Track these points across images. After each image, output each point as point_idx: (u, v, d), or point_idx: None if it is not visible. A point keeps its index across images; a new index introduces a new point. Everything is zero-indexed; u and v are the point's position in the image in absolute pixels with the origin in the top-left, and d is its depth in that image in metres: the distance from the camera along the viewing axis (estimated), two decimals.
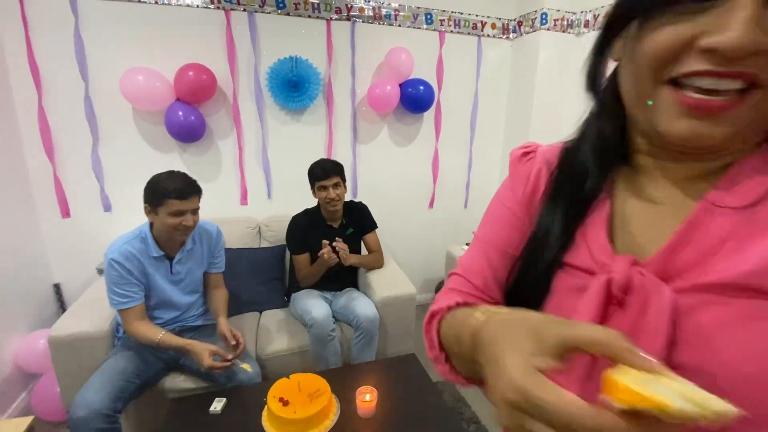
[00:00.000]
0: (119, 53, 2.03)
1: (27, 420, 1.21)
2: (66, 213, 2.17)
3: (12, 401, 1.85)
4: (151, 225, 1.50)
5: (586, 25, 2.41)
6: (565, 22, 2.44)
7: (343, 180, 1.93)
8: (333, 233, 1.95)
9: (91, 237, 2.23)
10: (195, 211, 1.46)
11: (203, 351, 1.41)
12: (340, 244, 1.77)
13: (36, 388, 1.80)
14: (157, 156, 2.23)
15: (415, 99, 2.40)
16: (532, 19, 2.47)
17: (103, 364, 1.43)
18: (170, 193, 1.38)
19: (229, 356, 1.44)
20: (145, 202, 1.42)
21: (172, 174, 1.44)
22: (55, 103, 2.02)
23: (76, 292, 2.26)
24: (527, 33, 2.53)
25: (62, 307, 2.26)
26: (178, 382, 1.60)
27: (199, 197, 1.48)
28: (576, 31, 2.45)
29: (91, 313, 1.63)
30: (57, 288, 2.24)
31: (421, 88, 2.39)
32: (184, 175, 1.46)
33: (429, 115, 2.64)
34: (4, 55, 1.91)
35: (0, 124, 1.88)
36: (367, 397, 1.29)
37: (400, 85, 2.39)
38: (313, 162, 1.93)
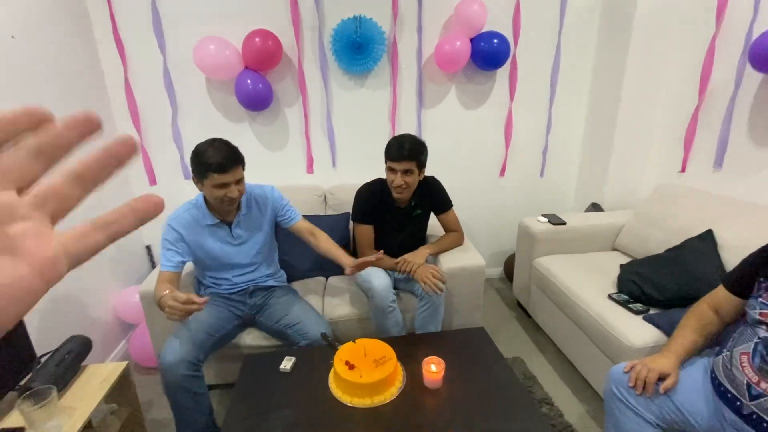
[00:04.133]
0: (191, 23, 2.09)
1: (122, 365, 1.33)
2: (153, 181, 2.35)
3: (114, 347, 2.10)
4: None
5: None
6: None
7: (421, 166, 1.69)
8: (399, 213, 1.84)
9: (174, 204, 2.37)
10: (239, 182, 1.43)
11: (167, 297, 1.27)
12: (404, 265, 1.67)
13: (132, 337, 2.01)
14: (230, 125, 2.30)
15: (488, 54, 2.19)
16: None
17: (187, 318, 1.53)
18: (211, 166, 1.34)
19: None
20: (192, 173, 1.42)
21: (213, 144, 1.38)
22: (138, 76, 2.15)
23: None
24: None
25: (153, 266, 2.49)
26: (253, 339, 1.69)
27: (243, 166, 1.44)
28: None
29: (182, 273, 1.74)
30: (148, 249, 2.46)
31: (495, 41, 2.17)
32: (226, 145, 1.39)
33: (503, 73, 2.40)
34: (93, 33, 2.05)
35: (94, 98, 2.05)
36: (433, 368, 1.23)
37: (471, 40, 2.19)
38: (393, 136, 1.73)
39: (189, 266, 1.76)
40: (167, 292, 1.28)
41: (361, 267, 1.58)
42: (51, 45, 1.76)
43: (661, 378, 1.14)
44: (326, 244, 1.69)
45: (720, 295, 1.21)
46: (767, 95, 1.74)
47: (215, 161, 1.35)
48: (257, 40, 2.03)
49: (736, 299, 1.17)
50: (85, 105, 1.96)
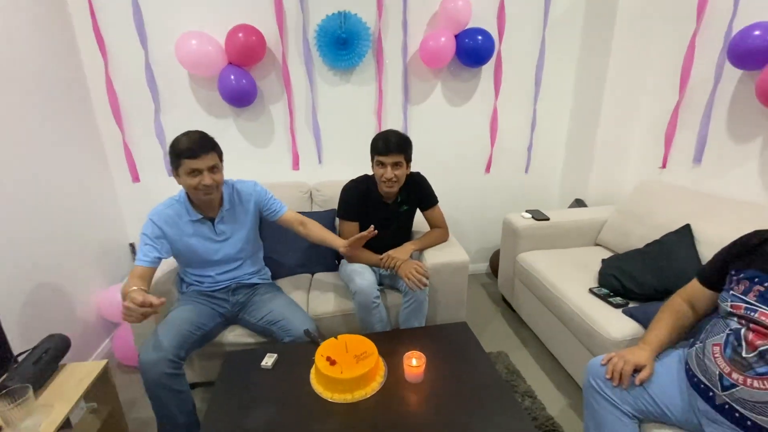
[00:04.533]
0: (173, 18, 2.06)
1: (101, 364, 1.32)
2: (136, 178, 2.32)
3: (97, 346, 2.07)
4: None
5: None
6: None
7: (408, 159, 1.71)
8: (385, 210, 1.84)
9: (158, 201, 2.37)
10: (212, 169, 1.42)
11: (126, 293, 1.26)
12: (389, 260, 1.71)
13: (116, 336, 1.99)
14: (213, 122, 2.28)
15: (473, 51, 2.19)
16: None
17: (168, 315, 1.52)
18: (182, 152, 1.36)
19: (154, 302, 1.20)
20: (171, 165, 1.43)
21: (187, 133, 1.40)
22: (119, 72, 2.12)
23: None
24: None
25: None
26: (236, 337, 1.67)
27: (217, 154, 1.44)
28: None
29: (157, 269, 1.73)
30: (132, 247, 2.44)
31: (480, 38, 2.17)
32: (199, 133, 1.41)
33: (488, 69, 2.41)
34: (72, 27, 2.01)
35: (74, 94, 2.02)
36: (413, 362, 1.24)
37: (456, 37, 2.20)
38: (378, 132, 1.74)
39: (172, 263, 1.75)
40: (135, 288, 1.26)
41: (354, 244, 1.60)
42: (29, 41, 1.73)
43: (637, 370, 1.16)
44: (318, 232, 1.70)
45: (694, 288, 1.23)
46: (745, 91, 1.78)
47: (186, 147, 1.36)
48: (240, 35, 2.01)
49: (709, 292, 1.19)
50: (65, 101, 1.93)
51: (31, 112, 1.73)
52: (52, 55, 1.87)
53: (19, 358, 1.25)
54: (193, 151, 1.36)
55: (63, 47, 1.95)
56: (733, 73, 1.81)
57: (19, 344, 1.57)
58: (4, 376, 1.19)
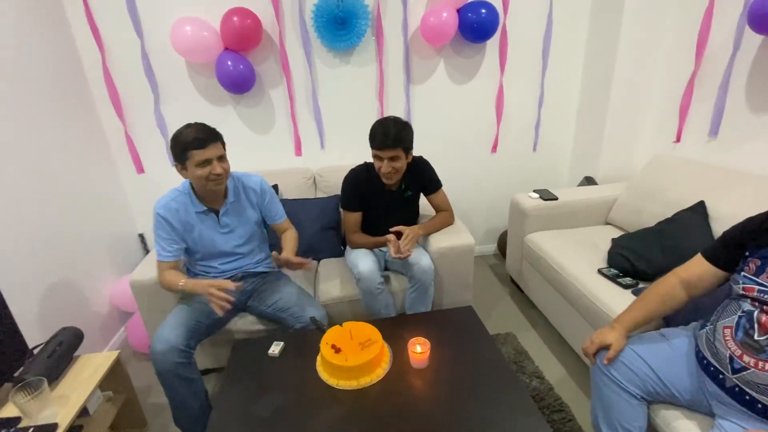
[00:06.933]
0: (166, 4, 2.01)
1: (113, 354, 1.35)
2: (140, 169, 2.33)
3: (113, 335, 2.13)
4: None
5: None
6: None
7: (407, 150, 1.65)
8: (390, 196, 1.81)
9: (164, 191, 2.38)
10: (221, 158, 1.43)
11: (204, 285, 1.38)
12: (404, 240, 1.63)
13: (130, 324, 2.04)
14: (213, 109, 2.25)
15: (476, 25, 2.11)
16: None
17: (177, 306, 1.55)
18: (190, 144, 1.35)
19: (232, 288, 1.37)
20: (174, 161, 1.42)
21: (189, 126, 1.39)
22: (117, 63, 2.10)
23: None
24: None
25: (147, 253, 2.50)
26: (246, 324, 1.70)
27: (222, 144, 1.44)
28: None
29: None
30: (142, 238, 2.47)
31: (483, 11, 2.08)
32: (202, 124, 1.41)
33: (492, 44, 2.32)
34: (67, 19, 1.98)
35: (73, 88, 2.00)
36: (418, 348, 1.24)
37: (458, 11, 2.11)
38: (377, 120, 1.66)
39: None
40: (184, 281, 1.42)
41: (282, 262, 1.57)
42: (24, 36, 1.70)
43: (607, 349, 1.16)
44: (288, 240, 1.69)
45: (696, 266, 1.16)
46: (766, 59, 1.67)
47: (194, 137, 1.36)
48: (235, 19, 1.96)
49: (715, 271, 1.13)
50: (64, 96, 1.92)
51: (31, 110, 1.72)
52: (49, 49, 1.84)
53: (35, 351, 1.29)
54: (201, 141, 1.36)
55: (59, 40, 1.92)
56: (753, 40, 1.71)
57: (36, 338, 1.62)
58: (20, 370, 1.23)
